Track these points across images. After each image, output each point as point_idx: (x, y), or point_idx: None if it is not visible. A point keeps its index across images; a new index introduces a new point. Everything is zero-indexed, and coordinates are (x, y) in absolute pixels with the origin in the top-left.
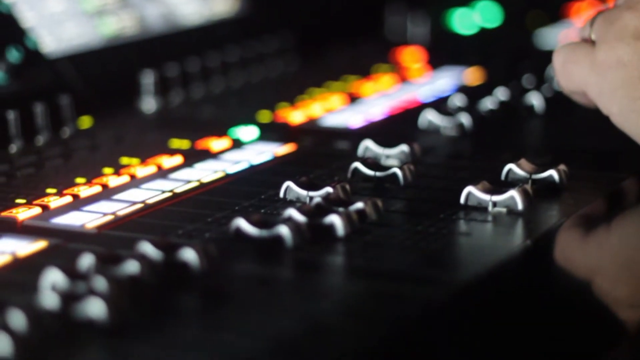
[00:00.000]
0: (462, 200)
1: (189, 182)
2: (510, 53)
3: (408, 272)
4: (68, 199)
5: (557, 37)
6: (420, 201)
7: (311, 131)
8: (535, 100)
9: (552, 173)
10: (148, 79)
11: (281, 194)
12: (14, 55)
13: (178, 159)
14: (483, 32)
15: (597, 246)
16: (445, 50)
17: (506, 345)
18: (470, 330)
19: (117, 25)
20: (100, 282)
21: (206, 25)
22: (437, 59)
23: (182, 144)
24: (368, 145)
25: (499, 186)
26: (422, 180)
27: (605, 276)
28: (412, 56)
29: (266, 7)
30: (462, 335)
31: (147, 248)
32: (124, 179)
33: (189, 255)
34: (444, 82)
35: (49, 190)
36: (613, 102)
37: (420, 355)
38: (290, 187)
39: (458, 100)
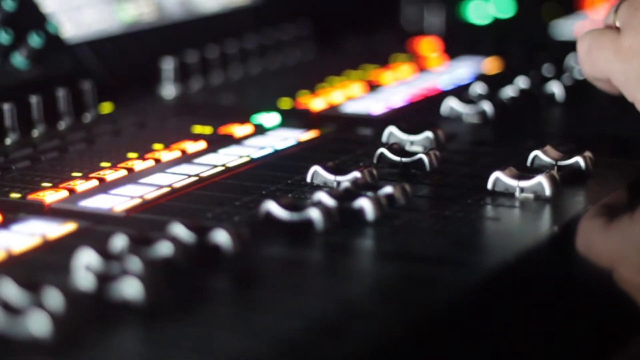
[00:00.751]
0: (489, 185)
1: (214, 166)
2: (527, 43)
3: (438, 256)
4: (94, 182)
5: (572, 28)
6: (447, 187)
7: (333, 118)
8: (555, 88)
9: (578, 160)
10: (168, 65)
11: (308, 179)
12: (35, 40)
13: (202, 144)
14: (498, 22)
15: (622, 234)
16: (461, 40)
17: (531, 330)
18: (497, 314)
19: (135, 11)
20: (135, 263)
21: (224, 12)
22: (454, 49)
23: (205, 129)
24: (392, 132)
25: (526, 172)
26: (448, 166)
27: (628, 265)
28: (428, 46)
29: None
30: (490, 319)
31: (180, 230)
32: (149, 163)
33: (221, 237)
34: (462, 71)
35: (75, 174)
36: (638, 89)
37: (451, 338)
38: (317, 172)
39: (479, 88)
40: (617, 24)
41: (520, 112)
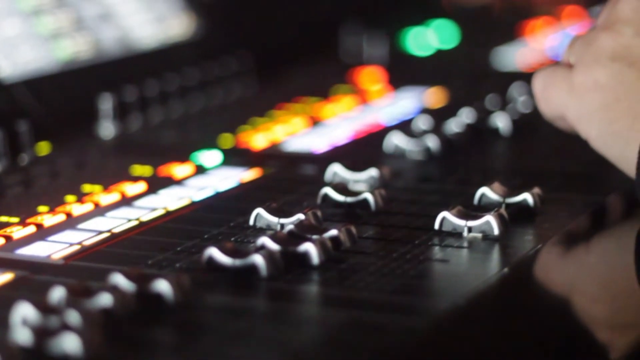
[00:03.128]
0: (436, 225)
1: (154, 209)
2: (470, 73)
3: (386, 301)
4: (32, 228)
5: (514, 55)
6: (393, 227)
7: (275, 156)
8: (500, 122)
9: (527, 197)
10: (106, 103)
11: (251, 222)
12: None
13: (142, 186)
14: (440, 52)
15: (575, 269)
16: (404, 70)
17: None
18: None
19: (72, 48)
20: (73, 316)
21: (163, 48)
22: (397, 80)
23: (145, 170)
24: (336, 170)
25: (473, 211)
26: (394, 205)
27: (584, 299)
28: (370, 77)
29: (222, 28)
30: None
31: (119, 279)
32: (88, 207)
33: (162, 286)
34: (406, 103)
35: (11, 220)
36: (591, 126)
37: None
38: (260, 214)
39: (422, 123)
40: (571, 60)
41: (466, 147)
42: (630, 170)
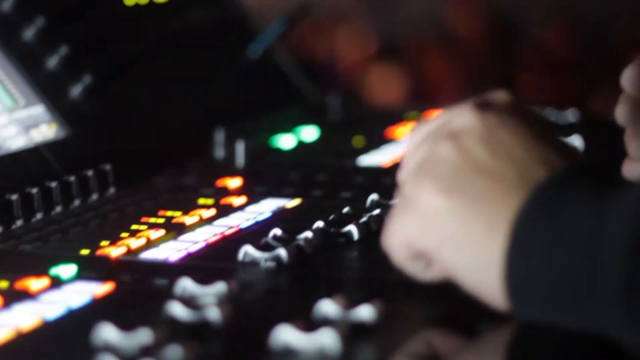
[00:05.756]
0: (273, 341)
1: (4, 327)
2: (329, 181)
3: None
4: None
5: (377, 161)
6: (237, 344)
7: (131, 267)
8: (352, 229)
9: (369, 309)
10: None
11: (97, 342)
12: None
13: None
14: (301, 158)
15: None
16: (263, 178)
17: None
18: None
19: None
20: None
21: (26, 151)
22: (257, 187)
23: (1, 284)
24: (185, 284)
25: (313, 324)
26: (240, 320)
27: None
28: (232, 184)
29: (84, 137)
30: None
31: None
32: None
33: None
34: (262, 208)
35: None
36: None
37: None
38: (106, 335)
39: (276, 232)
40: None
41: (316, 256)
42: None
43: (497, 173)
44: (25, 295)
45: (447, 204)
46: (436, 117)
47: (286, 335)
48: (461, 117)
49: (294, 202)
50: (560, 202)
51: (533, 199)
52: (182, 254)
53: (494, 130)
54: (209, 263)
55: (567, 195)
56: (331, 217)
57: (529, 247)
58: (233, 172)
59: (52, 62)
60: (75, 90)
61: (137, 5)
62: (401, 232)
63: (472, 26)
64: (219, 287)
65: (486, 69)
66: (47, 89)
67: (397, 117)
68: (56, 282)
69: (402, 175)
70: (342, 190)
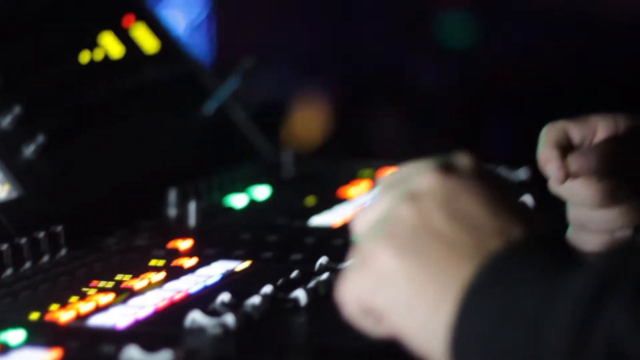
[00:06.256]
0: None
1: None
2: (280, 242)
3: None
4: None
5: (331, 220)
6: None
7: (78, 333)
8: (300, 294)
9: None
10: None
11: None
12: None
13: None
14: (255, 217)
15: None
16: (215, 239)
17: None
18: None
19: None
20: None
21: None
22: (208, 249)
23: None
24: (132, 354)
25: None
26: None
27: None
28: (183, 246)
29: (36, 197)
30: None
31: None
32: None
33: None
34: (210, 271)
35: None
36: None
37: None
38: None
39: (224, 297)
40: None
41: (264, 322)
42: None
43: (453, 240)
44: None
45: (401, 265)
46: (397, 171)
47: None
48: (423, 178)
49: (244, 265)
50: (510, 278)
51: (484, 271)
52: (130, 319)
53: (455, 196)
54: (157, 329)
55: (518, 270)
56: (279, 281)
57: (475, 321)
58: (185, 232)
59: (6, 121)
60: (29, 150)
61: (92, 62)
62: (354, 288)
63: None
64: (165, 355)
65: None
66: (1, 148)
67: (350, 176)
68: (5, 349)
69: (358, 227)
70: (293, 252)
